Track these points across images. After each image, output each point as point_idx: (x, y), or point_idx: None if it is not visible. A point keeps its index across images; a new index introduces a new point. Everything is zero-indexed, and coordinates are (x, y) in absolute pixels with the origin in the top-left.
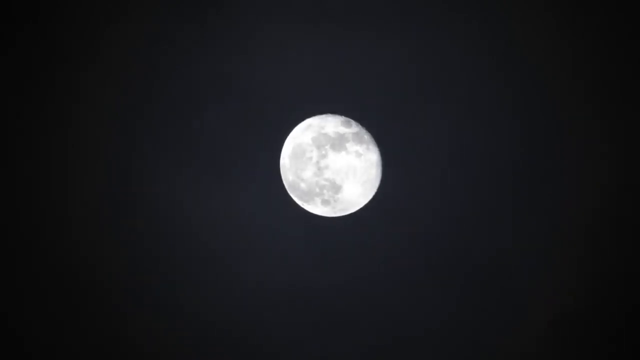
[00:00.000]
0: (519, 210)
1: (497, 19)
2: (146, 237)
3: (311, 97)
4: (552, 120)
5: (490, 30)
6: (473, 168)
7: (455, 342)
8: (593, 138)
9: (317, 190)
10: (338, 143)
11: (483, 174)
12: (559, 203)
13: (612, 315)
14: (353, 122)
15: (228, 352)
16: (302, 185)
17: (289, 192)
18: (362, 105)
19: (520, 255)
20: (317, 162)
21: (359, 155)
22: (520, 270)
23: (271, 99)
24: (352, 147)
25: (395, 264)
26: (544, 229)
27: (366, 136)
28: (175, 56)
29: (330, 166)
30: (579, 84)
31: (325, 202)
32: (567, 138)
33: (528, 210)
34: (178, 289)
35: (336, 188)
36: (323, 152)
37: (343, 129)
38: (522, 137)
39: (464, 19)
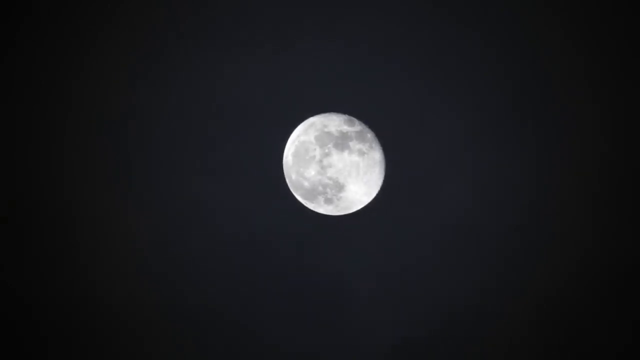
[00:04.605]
0: (518, 211)
1: (499, 18)
2: (147, 237)
3: (314, 96)
4: (559, 120)
5: (492, 29)
6: (475, 166)
7: (460, 340)
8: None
9: (321, 188)
10: (341, 142)
11: (485, 172)
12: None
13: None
14: (356, 121)
15: (228, 349)
16: (306, 184)
17: (292, 190)
18: (365, 103)
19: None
20: (320, 161)
21: (362, 153)
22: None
23: (274, 97)
24: (355, 145)
25: (398, 262)
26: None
27: (369, 134)
28: (177, 55)
29: (334, 165)
30: (585, 84)
31: (329, 201)
32: (572, 141)
33: (527, 208)
34: (180, 287)
35: (339, 186)
36: (326, 150)
37: (346, 128)
38: (524, 136)
39: (467, 18)
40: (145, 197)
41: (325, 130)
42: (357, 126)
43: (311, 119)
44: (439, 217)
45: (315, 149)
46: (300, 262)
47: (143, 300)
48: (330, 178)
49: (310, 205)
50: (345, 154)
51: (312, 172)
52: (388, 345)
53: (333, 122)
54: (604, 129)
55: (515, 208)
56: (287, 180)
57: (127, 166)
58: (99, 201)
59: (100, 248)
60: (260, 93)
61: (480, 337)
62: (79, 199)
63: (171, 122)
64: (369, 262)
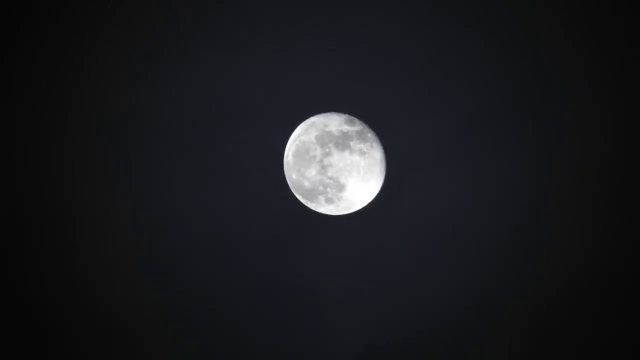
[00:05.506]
0: (518, 211)
1: (499, 18)
2: (147, 237)
3: (314, 96)
4: (558, 117)
5: (492, 29)
6: (475, 166)
7: (460, 341)
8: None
9: (321, 188)
10: (342, 141)
11: (485, 172)
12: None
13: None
14: (357, 120)
15: (228, 349)
16: (306, 183)
17: (292, 190)
18: (366, 103)
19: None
20: (321, 161)
21: (362, 153)
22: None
23: (274, 97)
24: (356, 145)
25: (398, 262)
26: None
27: (370, 134)
28: (177, 55)
29: (334, 164)
30: (585, 84)
31: (329, 201)
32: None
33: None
34: (180, 287)
35: (340, 186)
36: (327, 150)
37: (347, 127)
38: (524, 136)
39: (467, 18)
40: (145, 197)
41: (326, 129)
42: (358, 126)
43: (312, 119)
44: (439, 217)
45: (315, 149)
46: (300, 262)
47: (143, 300)
48: (330, 178)
49: (311, 205)
50: (346, 153)
51: (312, 171)
52: (388, 344)
53: (333, 122)
54: (604, 129)
55: (515, 208)
56: (288, 180)
57: (127, 166)
58: (99, 201)
59: (100, 248)
60: (260, 93)
61: (480, 337)
62: (79, 199)
63: (171, 122)
64: (369, 261)
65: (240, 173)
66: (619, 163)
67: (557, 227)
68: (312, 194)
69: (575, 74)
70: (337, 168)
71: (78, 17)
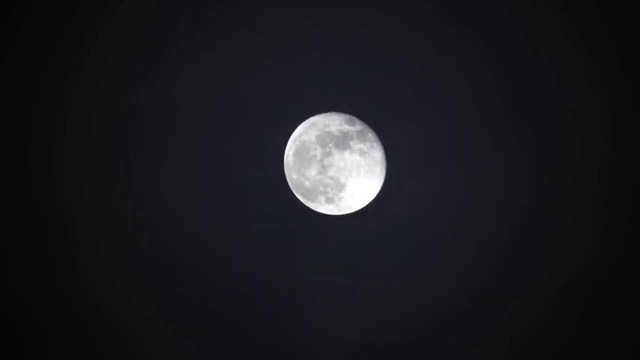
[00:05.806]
0: (518, 211)
1: (499, 18)
2: (147, 237)
3: (314, 96)
4: (558, 118)
5: (492, 29)
6: (475, 166)
7: (460, 341)
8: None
9: (321, 188)
10: (342, 141)
11: (485, 172)
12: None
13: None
14: (357, 120)
15: (228, 349)
16: (306, 183)
17: (293, 190)
18: (366, 103)
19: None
20: (321, 161)
21: (363, 153)
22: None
23: (274, 97)
24: (356, 145)
25: (398, 262)
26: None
27: (370, 134)
28: (177, 55)
29: (334, 164)
30: (585, 84)
31: (330, 200)
32: (571, 140)
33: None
34: (180, 287)
35: (340, 186)
36: (327, 150)
37: (347, 127)
38: (524, 136)
39: (467, 18)
40: (145, 197)
41: (326, 129)
42: (358, 125)
43: (312, 119)
44: (439, 217)
45: (316, 149)
46: (300, 262)
47: (143, 300)
48: (331, 177)
49: (311, 205)
50: (346, 153)
51: (313, 171)
52: (388, 344)
53: (334, 122)
54: (604, 129)
55: (515, 208)
56: (288, 180)
57: (127, 166)
58: (99, 201)
59: (100, 248)
60: (260, 93)
61: (480, 337)
62: (79, 199)
63: (171, 122)
64: (369, 261)
65: (240, 173)
66: (619, 163)
67: (557, 227)
68: (312, 193)
69: (575, 74)
70: (337, 168)
71: (78, 17)
